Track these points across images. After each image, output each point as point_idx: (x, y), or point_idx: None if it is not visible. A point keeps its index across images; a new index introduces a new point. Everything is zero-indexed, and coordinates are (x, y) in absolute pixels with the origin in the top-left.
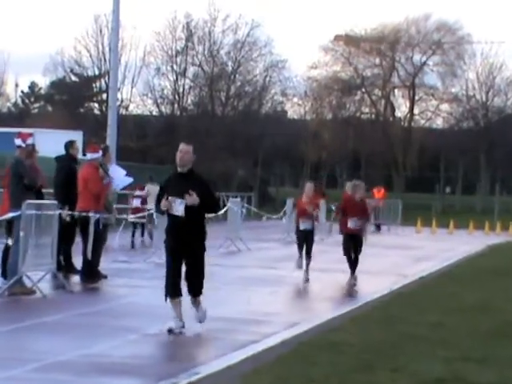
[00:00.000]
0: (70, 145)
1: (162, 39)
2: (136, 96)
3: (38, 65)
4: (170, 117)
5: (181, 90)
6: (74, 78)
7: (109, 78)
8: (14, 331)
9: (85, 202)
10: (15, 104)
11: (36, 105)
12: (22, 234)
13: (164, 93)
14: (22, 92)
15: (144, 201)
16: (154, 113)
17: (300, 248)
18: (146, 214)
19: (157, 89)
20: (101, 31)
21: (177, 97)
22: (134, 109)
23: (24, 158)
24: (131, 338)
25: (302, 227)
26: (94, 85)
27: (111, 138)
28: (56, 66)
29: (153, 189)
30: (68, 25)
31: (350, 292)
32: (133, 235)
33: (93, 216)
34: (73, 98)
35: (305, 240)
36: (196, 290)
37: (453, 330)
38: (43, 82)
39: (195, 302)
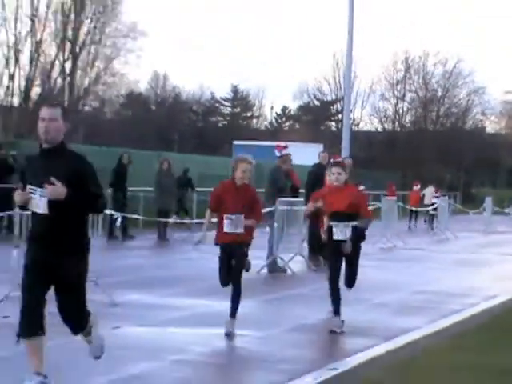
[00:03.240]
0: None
1: (385, 71)
2: (365, 116)
3: (288, 92)
4: (392, 133)
5: (400, 111)
6: (316, 103)
7: (343, 102)
8: (270, 301)
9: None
10: (270, 123)
11: (287, 123)
12: (275, 225)
13: (387, 113)
14: (276, 113)
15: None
16: (379, 129)
17: (224, 282)
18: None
19: (381, 110)
20: (337, 65)
21: (397, 116)
22: (364, 126)
23: (281, 164)
24: (371, 303)
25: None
26: (331, 107)
27: (345, 149)
28: (302, 93)
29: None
30: (311, 60)
31: None
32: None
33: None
34: (315, 118)
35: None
36: (76, 327)
37: None
38: (292, 106)
39: (84, 335)
